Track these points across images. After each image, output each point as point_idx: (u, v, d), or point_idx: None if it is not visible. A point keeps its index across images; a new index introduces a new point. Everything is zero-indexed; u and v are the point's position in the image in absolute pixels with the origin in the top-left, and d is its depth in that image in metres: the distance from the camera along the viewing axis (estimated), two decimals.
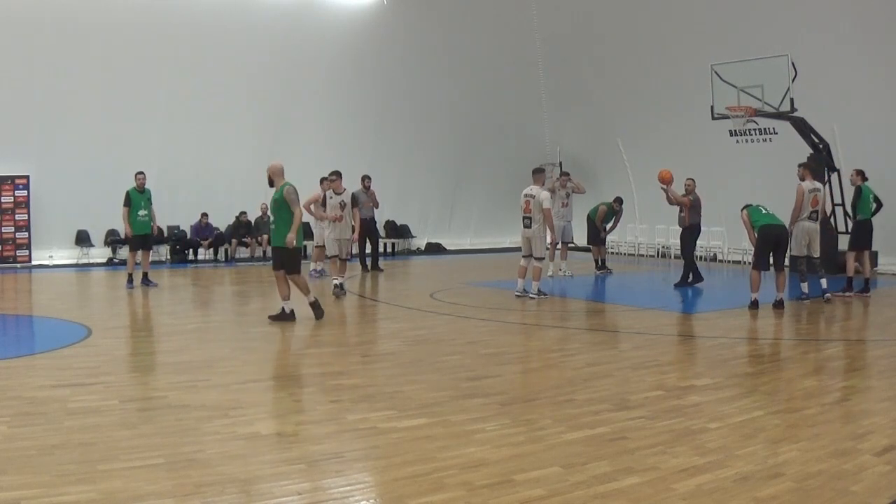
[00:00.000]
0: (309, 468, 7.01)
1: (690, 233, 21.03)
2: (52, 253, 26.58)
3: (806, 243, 18.18)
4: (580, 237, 26.71)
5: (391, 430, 8.11)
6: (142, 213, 20.28)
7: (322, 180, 19.88)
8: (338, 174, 20.06)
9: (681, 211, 20.90)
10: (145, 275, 20.78)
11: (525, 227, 18.56)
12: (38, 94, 25.22)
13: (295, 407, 9.24)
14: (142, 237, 20.44)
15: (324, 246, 20.55)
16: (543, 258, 19.03)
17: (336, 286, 18.64)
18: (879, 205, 19.48)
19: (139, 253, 20.60)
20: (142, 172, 20.58)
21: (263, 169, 25.54)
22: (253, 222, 28.37)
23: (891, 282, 22.12)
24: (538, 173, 19.13)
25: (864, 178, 19.45)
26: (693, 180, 20.84)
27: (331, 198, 20.12)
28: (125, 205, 20.15)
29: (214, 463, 7.03)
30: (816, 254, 18.43)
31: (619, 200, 25.53)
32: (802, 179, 18.53)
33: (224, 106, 27.77)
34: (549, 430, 8.14)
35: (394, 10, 30.63)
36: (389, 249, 29.58)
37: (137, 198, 20.28)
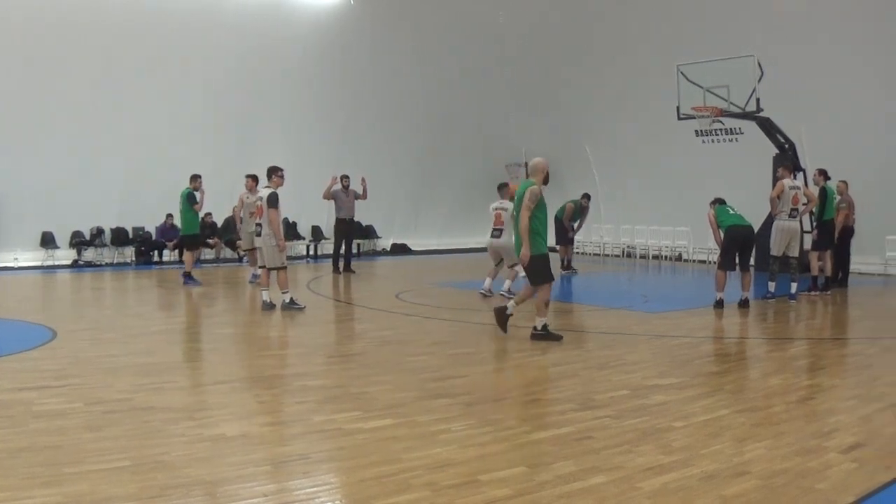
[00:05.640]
0: (275, 470, 6.98)
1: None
2: (17, 255, 26.37)
3: (786, 243, 18.30)
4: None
5: (357, 431, 8.07)
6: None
7: (270, 175, 19.00)
8: (254, 177, 20.80)
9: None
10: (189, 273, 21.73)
11: (494, 237, 18.68)
12: (2, 96, 25.04)
13: (260, 408, 9.17)
14: (197, 236, 22.43)
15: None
16: (518, 264, 19.10)
17: (264, 302, 17.12)
18: None
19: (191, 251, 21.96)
20: (199, 175, 21.59)
21: (229, 170, 25.60)
22: (220, 223, 28.29)
23: (857, 281, 22.25)
24: (504, 188, 19.24)
25: (827, 178, 19.58)
26: (845, 182, 20.82)
27: (247, 198, 20.85)
28: (190, 202, 21.31)
29: (180, 465, 6.99)
30: (795, 253, 18.61)
31: (586, 196, 25.53)
32: (782, 178, 18.66)
33: (189, 107, 27.70)
34: (514, 430, 8.14)
35: (360, 11, 30.63)
36: (355, 250, 29.45)
37: (193, 199, 21.30)
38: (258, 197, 17.22)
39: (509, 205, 18.47)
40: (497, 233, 18.68)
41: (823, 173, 19.65)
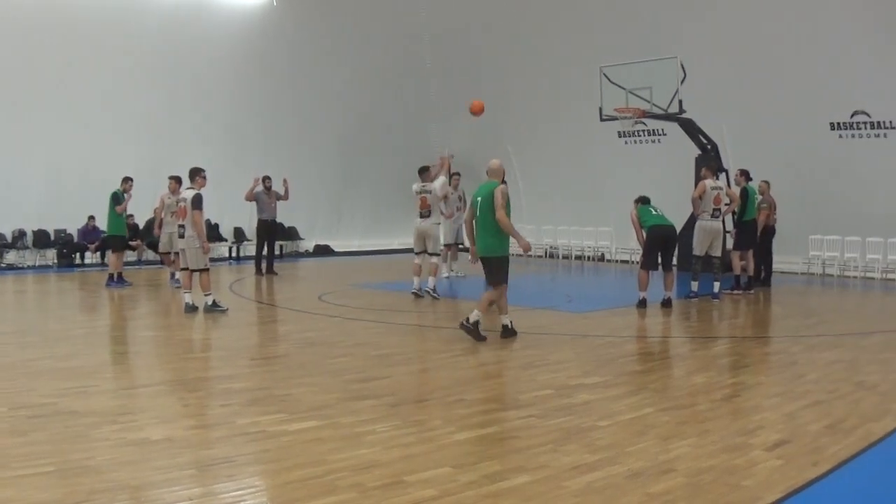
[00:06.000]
0: (200, 473, 6.91)
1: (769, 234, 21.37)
2: None
3: (708, 243, 18.46)
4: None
5: (281, 434, 8.02)
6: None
7: (193, 176, 18.64)
8: (177, 179, 20.31)
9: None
10: (120, 275, 21.59)
11: (423, 217, 18.89)
12: None
13: (184, 411, 9.07)
14: (122, 238, 22.11)
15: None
16: (439, 255, 19.19)
17: (187, 305, 16.75)
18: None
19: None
20: (130, 178, 21.72)
21: (150, 171, 25.26)
22: (141, 225, 27.94)
23: (780, 280, 22.50)
24: (425, 171, 19.27)
25: (749, 179, 19.76)
26: (767, 183, 21.04)
27: (168, 199, 20.56)
28: (116, 203, 21.25)
29: (105, 469, 6.89)
30: (718, 253, 18.78)
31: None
32: (705, 178, 18.81)
33: (110, 108, 27.28)
34: (439, 431, 8.10)
35: (283, 11, 30.45)
36: (277, 251, 29.21)
37: (122, 201, 21.28)
38: (181, 198, 16.97)
39: (432, 187, 18.67)
40: (426, 213, 18.88)
41: (745, 174, 19.83)
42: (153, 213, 23.80)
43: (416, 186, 19.11)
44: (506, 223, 13.09)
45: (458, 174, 23.54)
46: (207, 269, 16.70)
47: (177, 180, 20.34)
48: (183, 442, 7.82)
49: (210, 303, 16.58)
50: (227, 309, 16.70)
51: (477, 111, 17.68)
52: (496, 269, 13.45)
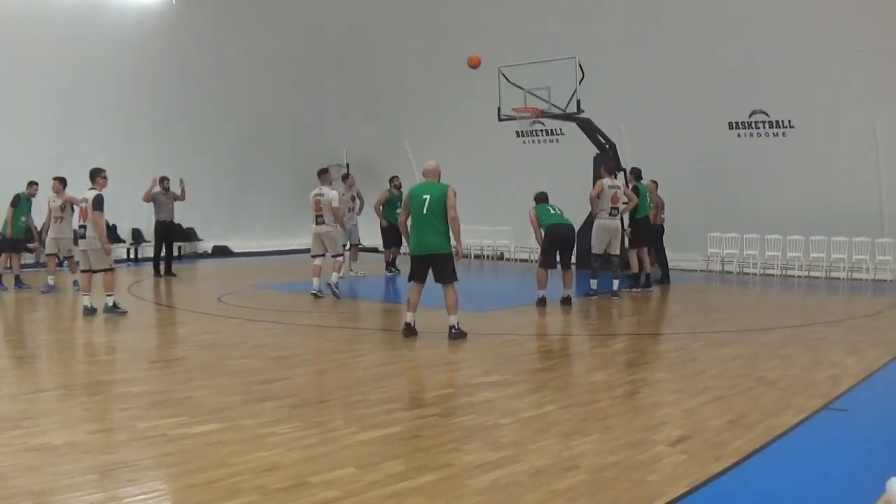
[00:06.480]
0: (101, 478, 6.78)
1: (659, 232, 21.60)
2: None
3: (607, 241, 18.61)
4: (371, 239, 26.76)
5: (183, 437, 7.92)
6: (24, 218, 21.52)
7: (94, 177, 18.23)
8: (61, 180, 20.16)
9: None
10: (17, 277, 21.44)
11: (319, 223, 18.85)
12: None
13: (86, 416, 8.93)
14: (20, 241, 21.85)
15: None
16: (341, 254, 19.14)
17: (85, 308, 16.42)
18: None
19: (11, 255, 21.49)
20: (36, 182, 21.66)
21: (47, 171, 24.83)
22: (40, 227, 27.45)
23: (679, 277, 22.78)
24: (324, 174, 19.30)
25: (639, 178, 19.99)
26: (655, 182, 21.21)
27: (53, 202, 20.19)
28: (12, 205, 21.03)
29: (7, 476, 6.77)
30: (616, 251, 18.92)
31: (396, 177, 24.99)
32: (602, 178, 18.97)
33: (5, 106, 26.82)
34: (341, 431, 8.07)
35: (181, 9, 30.13)
36: (176, 252, 28.84)
37: (25, 204, 21.26)
38: (83, 199, 16.69)
39: (327, 191, 18.82)
40: (320, 219, 18.86)
41: (634, 172, 20.14)
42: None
43: (314, 191, 19.04)
44: (458, 223, 13.44)
45: (349, 174, 23.55)
46: (112, 270, 16.51)
47: (61, 181, 20.04)
48: (84, 446, 7.68)
49: (110, 304, 16.34)
50: (127, 311, 16.49)
51: (474, 65, 17.96)
52: (448, 267, 13.75)
